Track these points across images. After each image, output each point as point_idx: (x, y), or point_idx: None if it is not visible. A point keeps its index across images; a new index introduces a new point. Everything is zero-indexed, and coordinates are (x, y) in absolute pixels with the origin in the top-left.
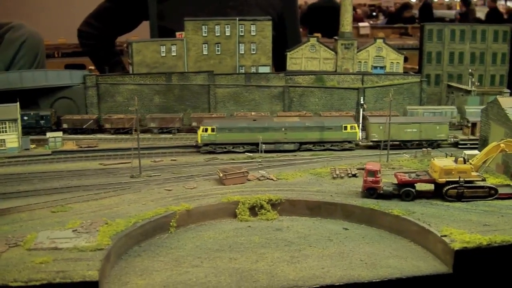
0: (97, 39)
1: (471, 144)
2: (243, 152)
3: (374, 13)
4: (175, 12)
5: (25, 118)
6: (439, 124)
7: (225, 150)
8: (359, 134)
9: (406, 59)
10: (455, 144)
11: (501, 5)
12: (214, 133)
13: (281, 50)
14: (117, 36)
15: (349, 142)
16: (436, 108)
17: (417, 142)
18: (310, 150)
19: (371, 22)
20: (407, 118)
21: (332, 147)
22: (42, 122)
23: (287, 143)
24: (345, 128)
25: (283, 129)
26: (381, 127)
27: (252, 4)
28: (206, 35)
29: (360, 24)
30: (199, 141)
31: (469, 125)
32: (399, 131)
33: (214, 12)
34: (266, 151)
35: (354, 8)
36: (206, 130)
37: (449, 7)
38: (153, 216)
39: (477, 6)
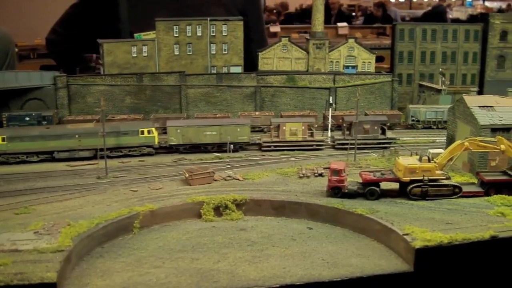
0: (64, 47)
1: (274, 146)
2: (37, 162)
3: (353, 13)
4: (133, 14)
5: (27, 118)
6: (240, 126)
7: (18, 160)
8: (157, 139)
9: (382, 59)
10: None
11: (479, 5)
12: (5, 142)
13: (245, 50)
14: (85, 42)
15: (148, 147)
16: (439, 107)
17: (218, 145)
18: (109, 157)
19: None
20: (207, 120)
21: (130, 153)
22: (44, 122)
23: (82, 150)
24: (142, 132)
25: (76, 136)
26: (178, 131)
27: (212, 2)
28: (177, 35)
29: (339, 24)
30: None
31: (272, 127)
32: (198, 134)
33: (173, 13)
34: (61, 160)
35: None
36: None
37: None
38: (116, 217)
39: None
